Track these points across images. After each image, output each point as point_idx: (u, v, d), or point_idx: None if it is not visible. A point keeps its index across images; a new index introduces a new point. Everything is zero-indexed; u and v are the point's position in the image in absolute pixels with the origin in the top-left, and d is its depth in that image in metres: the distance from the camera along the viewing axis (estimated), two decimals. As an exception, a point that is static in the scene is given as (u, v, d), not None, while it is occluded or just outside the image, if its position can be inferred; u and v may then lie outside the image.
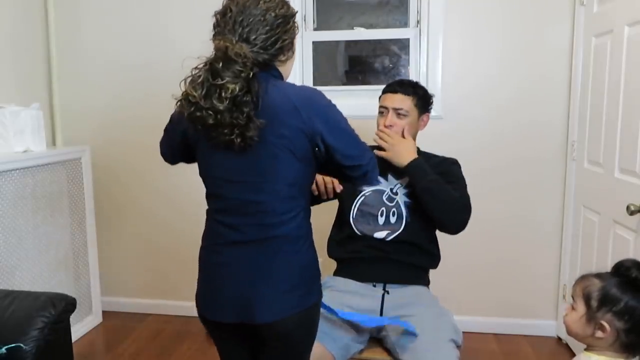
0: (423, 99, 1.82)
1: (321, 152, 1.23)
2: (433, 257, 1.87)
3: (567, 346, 2.52)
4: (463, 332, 1.68)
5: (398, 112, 1.78)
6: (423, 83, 2.58)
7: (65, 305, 1.84)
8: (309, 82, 2.74)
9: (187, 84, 1.13)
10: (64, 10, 2.83)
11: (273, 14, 1.18)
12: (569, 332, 1.21)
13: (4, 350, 1.53)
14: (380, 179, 1.82)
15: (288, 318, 1.22)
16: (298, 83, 2.71)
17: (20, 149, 2.33)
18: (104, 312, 2.92)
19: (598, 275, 1.19)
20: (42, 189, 2.42)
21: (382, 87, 1.90)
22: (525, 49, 2.51)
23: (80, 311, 2.69)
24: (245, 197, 1.21)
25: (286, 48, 1.24)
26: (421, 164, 1.73)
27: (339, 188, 1.71)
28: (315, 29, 2.74)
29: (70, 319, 1.91)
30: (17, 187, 2.28)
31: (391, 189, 1.81)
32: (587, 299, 1.16)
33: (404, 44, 2.69)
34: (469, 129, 2.59)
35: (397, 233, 1.77)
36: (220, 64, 1.11)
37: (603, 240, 2.11)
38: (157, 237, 2.92)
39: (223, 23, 1.19)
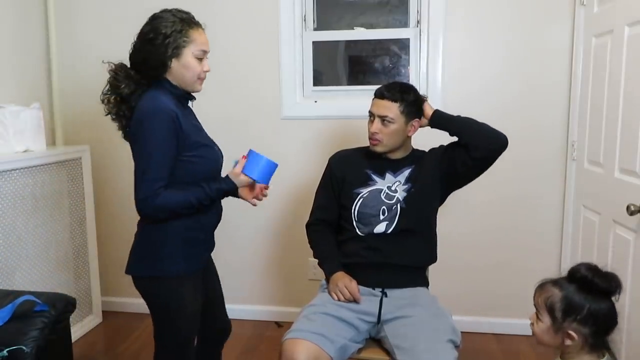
0: (412, 105, 1.78)
1: None
2: (431, 248, 1.87)
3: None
4: (463, 332, 1.68)
5: (383, 119, 1.76)
6: (423, 83, 2.59)
7: (65, 305, 1.85)
8: (309, 82, 2.74)
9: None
10: (64, 11, 2.83)
11: None
12: (539, 341, 1.23)
13: (5, 352, 1.53)
14: (377, 178, 1.83)
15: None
16: (298, 83, 2.71)
17: (20, 149, 2.33)
18: (104, 312, 2.92)
19: (556, 283, 1.20)
20: (42, 189, 2.42)
21: (382, 87, 1.88)
22: (525, 49, 2.50)
23: (80, 311, 2.69)
24: None
25: None
26: (440, 117, 1.85)
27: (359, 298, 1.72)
28: (315, 29, 2.73)
29: (70, 319, 1.92)
30: (17, 187, 2.28)
31: (389, 187, 1.81)
32: (550, 310, 1.18)
33: (404, 44, 2.69)
34: (469, 129, 2.58)
35: (395, 222, 1.77)
36: None
37: (603, 241, 2.10)
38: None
39: None
